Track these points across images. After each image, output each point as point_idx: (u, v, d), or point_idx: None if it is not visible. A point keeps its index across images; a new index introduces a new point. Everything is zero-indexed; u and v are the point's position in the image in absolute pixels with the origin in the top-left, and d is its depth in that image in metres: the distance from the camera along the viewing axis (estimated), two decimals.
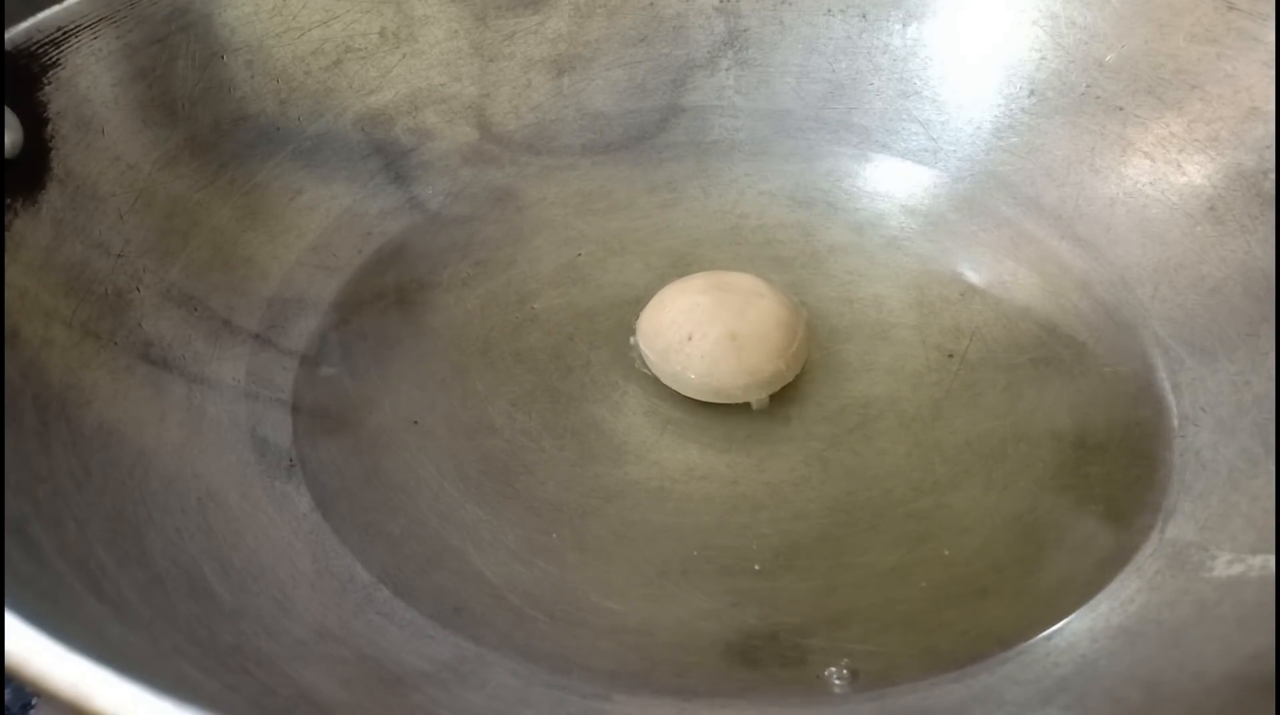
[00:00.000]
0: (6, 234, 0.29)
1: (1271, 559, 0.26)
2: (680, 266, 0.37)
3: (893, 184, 0.42)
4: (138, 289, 0.33)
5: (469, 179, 0.42)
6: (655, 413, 0.33)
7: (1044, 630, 0.27)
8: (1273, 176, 0.34)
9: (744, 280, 0.35)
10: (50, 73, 0.32)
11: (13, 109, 0.30)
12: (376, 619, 0.27)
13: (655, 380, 0.34)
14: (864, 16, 0.43)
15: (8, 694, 0.30)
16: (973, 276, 0.37)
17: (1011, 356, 0.34)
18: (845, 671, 0.27)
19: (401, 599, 0.28)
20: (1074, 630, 0.27)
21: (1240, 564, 0.27)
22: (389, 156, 0.41)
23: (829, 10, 0.44)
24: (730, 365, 0.32)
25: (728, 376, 0.32)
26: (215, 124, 0.37)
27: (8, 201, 0.30)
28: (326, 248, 0.38)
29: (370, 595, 0.28)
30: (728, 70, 0.44)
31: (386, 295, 0.37)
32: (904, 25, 0.43)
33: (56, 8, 0.33)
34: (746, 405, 0.33)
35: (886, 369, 0.34)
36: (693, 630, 0.28)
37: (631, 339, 0.35)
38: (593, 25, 0.44)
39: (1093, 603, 0.28)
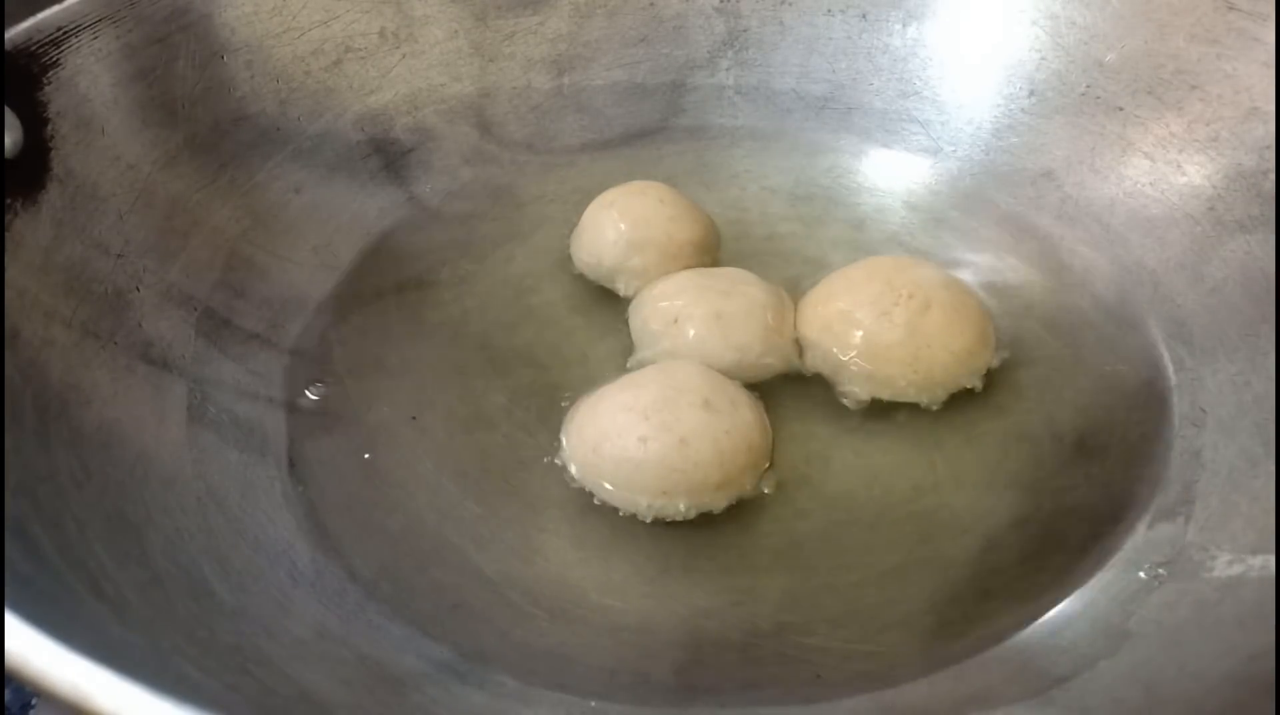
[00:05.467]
0: (6, 234, 0.29)
1: (1271, 559, 0.26)
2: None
3: (893, 182, 0.42)
4: (138, 289, 0.33)
5: (468, 178, 0.42)
6: None
7: (1044, 630, 0.27)
8: (1273, 176, 0.34)
9: (729, 271, 0.35)
10: (50, 73, 0.32)
11: (13, 109, 0.30)
12: (376, 618, 0.27)
13: None
14: (864, 16, 0.43)
15: (8, 694, 0.30)
16: (973, 275, 0.37)
17: (1012, 355, 0.34)
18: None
19: (401, 597, 0.28)
20: (1074, 630, 0.27)
21: (1240, 564, 0.27)
22: (389, 156, 0.41)
23: (829, 10, 0.44)
24: (716, 342, 0.33)
25: (714, 354, 0.32)
26: (215, 124, 0.37)
27: (8, 201, 0.30)
28: (326, 247, 0.38)
29: (370, 594, 0.28)
30: (728, 70, 0.44)
31: (386, 293, 0.37)
32: (904, 25, 0.43)
33: (56, 8, 0.33)
34: None
35: None
36: (694, 629, 0.28)
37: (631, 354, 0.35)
38: (593, 25, 0.44)
39: (1093, 603, 0.28)
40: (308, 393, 0.33)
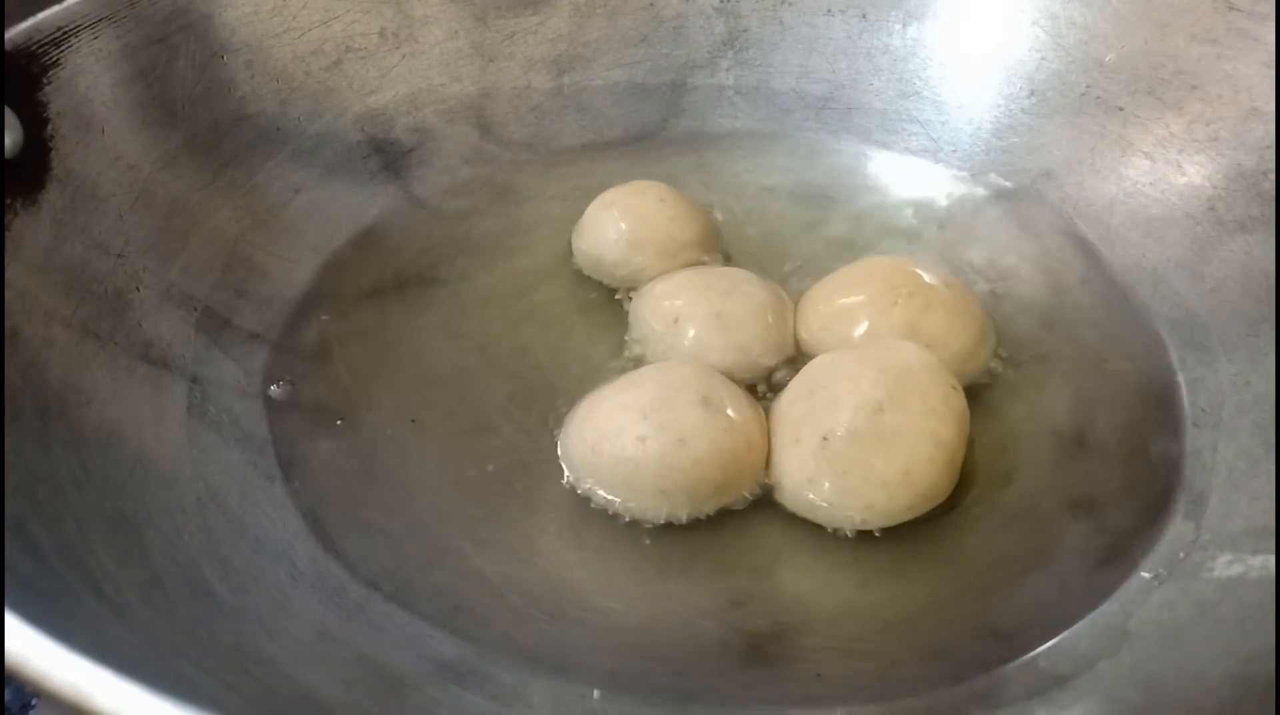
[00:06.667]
0: (6, 234, 0.29)
1: (1271, 559, 0.26)
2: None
3: (893, 182, 0.42)
4: (138, 289, 0.33)
5: (469, 177, 0.42)
6: None
7: (1044, 630, 0.27)
8: (1273, 176, 0.34)
9: (730, 271, 0.35)
10: (50, 73, 0.32)
11: (13, 109, 0.30)
12: (376, 618, 0.27)
13: None
14: (864, 16, 0.43)
15: (8, 694, 0.30)
16: (973, 274, 0.37)
17: (1012, 353, 0.34)
18: None
19: (400, 598, 0.28)
20: (1074, 630, 0.27)
21: (1240, 564, 0.27)
22: (389, 156, 0.41)
23: (829, 10, 0.44)
24: (716, 342, 0.33)
25: (714, 353, 0.32)
26: (215, 124, 0.37)
27: (8, 201, 0.30)
28: (326, 247, 0.38)
29: (369, 595, 0.28)
30: (728, 70, 0.44)
31: (385, 293, 0.37)
32: (904, 25, 0.43)
33: (56, 8, 0.33)
34: None
35: None
36: (693, 629, 0.28)
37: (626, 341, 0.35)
38: (593, 25, 0.44)
39: (1093, 603, 0.28)
40: (307, 393, 0.33)
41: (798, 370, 0.32)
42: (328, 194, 0.39)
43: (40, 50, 0.32)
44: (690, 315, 0.33)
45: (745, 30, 0.44)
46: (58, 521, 0.25)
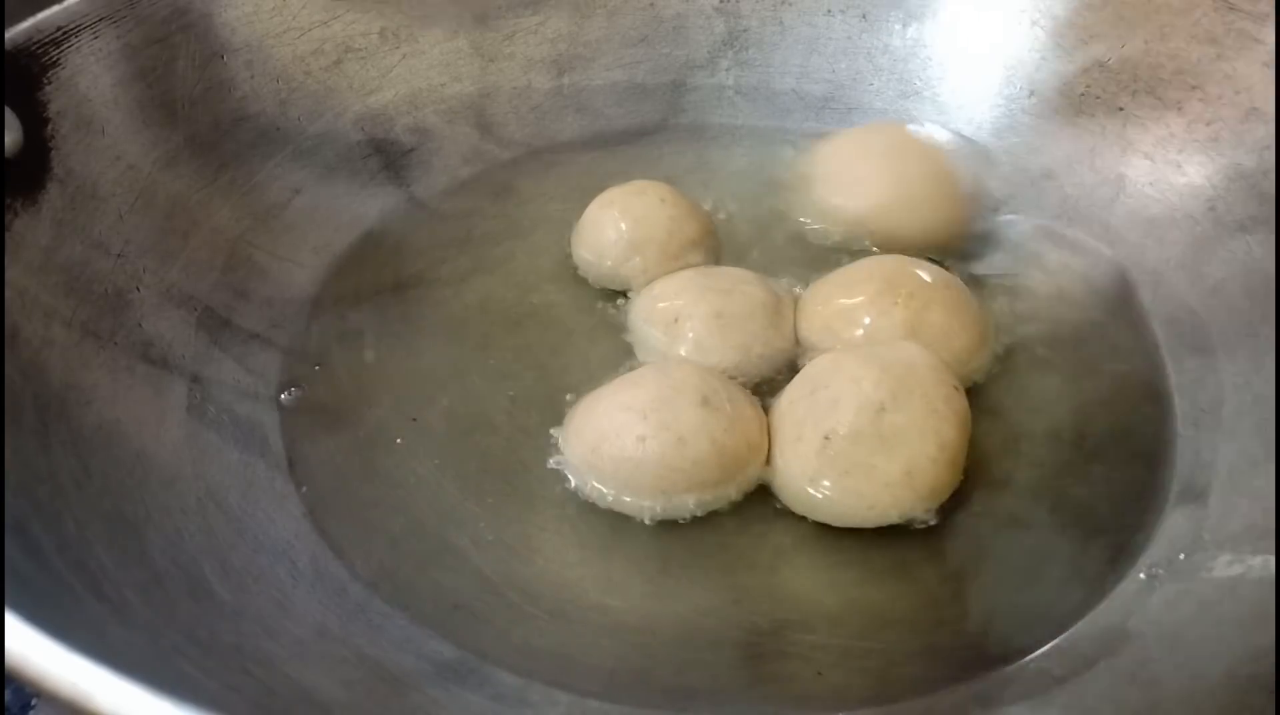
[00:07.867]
0: (6, 234, 0.29)
1: (1271, 559, 0.26)
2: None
3: None
4: (138, 289, 0.33)
5: (468, 177, 0.42)
6: None
7: (1044, 630, 0.27)
8: (1273, 176, 0.34)
9: (729, 271, 0.35)
10: (50, 73, 0.32)
11: (13, 109, 0.30)
12: (376, 618, 0.27)
13: None
14: (864, 17, 0.43)
15: (8, 694, 0.30)
16: (973, 275, 0.37)
17: (1012, 354, 0.34)
18: None
19: (400, 597, 0.28)
20: (1074, 631, 0.27)
21: (1240, 564, 0.27)
22: (389, 156, 0.41)
23: (829, 10, 0.44)
24: (716, 342, 0.33)
25: (714, 353, 0.32)
26: (215, 124, 0.37)
27: (8, 201, 0.30)
28: (326, 247, 0.38)
29: (370, 594, 0.28)
30: (728, 70, 0.44)
31: (385, 292, 0.37)
32: (904, 25, 0.43)
33: (56, 8, 0.33)
34: None
35: None
36: (694, 627, 0.28)
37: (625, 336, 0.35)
38: (593, 25, 0.44)
39: (1093, 603, 0.27)
40: (308, 392, 0.33)
41: (798, 370, 0.32)
42: (328, 194, 0.39)
43: (40, 50, 0.32)
44: (690, 315, 0.33)
45: (745, 30, 0.44)
46: (58, 521, 0.25)
